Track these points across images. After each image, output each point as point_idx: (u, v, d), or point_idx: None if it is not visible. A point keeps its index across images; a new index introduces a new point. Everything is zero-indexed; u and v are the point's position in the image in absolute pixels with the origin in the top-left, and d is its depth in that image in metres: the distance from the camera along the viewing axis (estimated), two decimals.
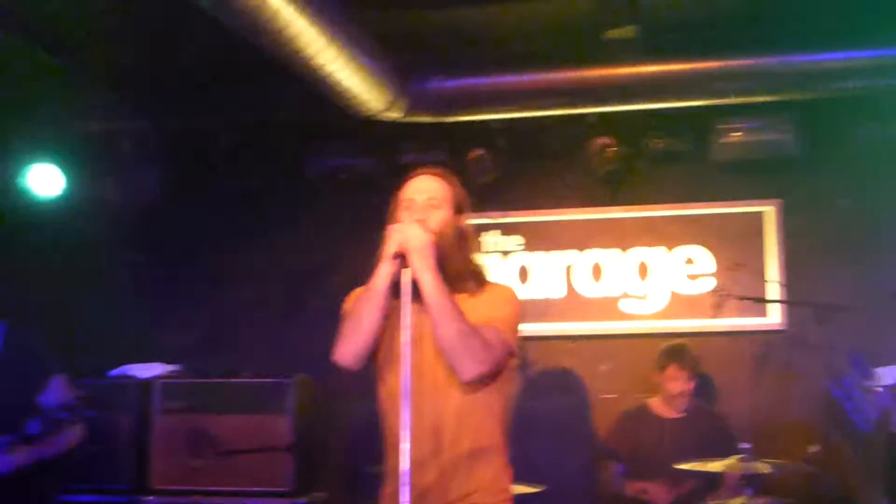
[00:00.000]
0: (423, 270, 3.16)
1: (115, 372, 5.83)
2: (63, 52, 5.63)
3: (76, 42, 5.58)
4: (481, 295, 3.37)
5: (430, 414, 3.25)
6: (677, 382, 5.57)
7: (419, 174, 3.44)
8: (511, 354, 3.32)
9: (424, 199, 3.35)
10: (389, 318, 3.30)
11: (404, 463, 2.97)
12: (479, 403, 3.32)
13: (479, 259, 3.49)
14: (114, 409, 5.68)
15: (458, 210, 3.40)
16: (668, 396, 5.61)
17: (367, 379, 3.45)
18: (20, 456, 4.01)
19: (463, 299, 3.28)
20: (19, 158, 6.26)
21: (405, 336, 3.05)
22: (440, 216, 3.32)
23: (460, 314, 3.18)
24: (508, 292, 3.51)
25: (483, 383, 3.27)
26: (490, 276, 3.50)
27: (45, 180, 6.24)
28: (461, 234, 3.37)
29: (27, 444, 4.03)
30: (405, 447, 2.98)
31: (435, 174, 3.44)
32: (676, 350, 5.64)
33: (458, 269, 3.33)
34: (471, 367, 3.19)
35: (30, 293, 5.74)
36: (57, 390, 4.24)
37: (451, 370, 3.20)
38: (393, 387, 3.21)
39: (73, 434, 4.22)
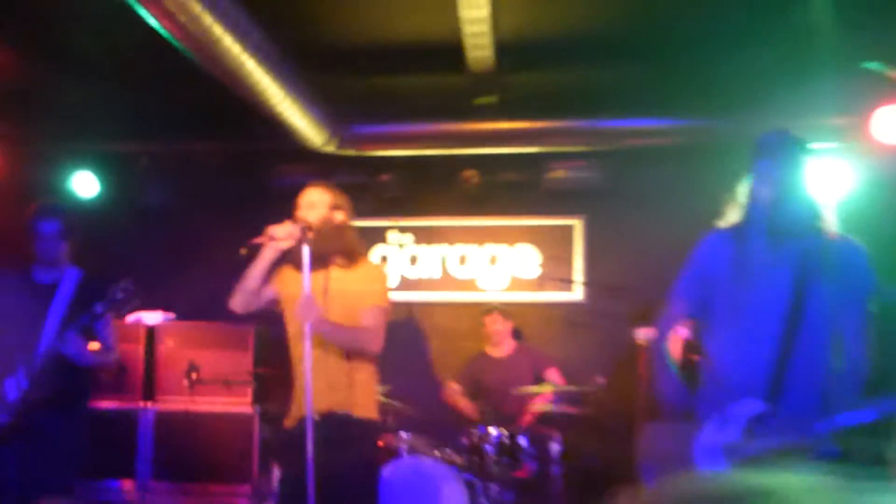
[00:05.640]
0: (321, 325, 3.27)
1: (130, 317, 5.67)
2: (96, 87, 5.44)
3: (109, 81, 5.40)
4: (355, 269, 3.44)
5: (329, 353, 3.36)
6: (494, 325, 5.74)
7: (310, 187, 3.48)
8: (387, 316, 3.45)
9: (309, 202, 3.42)
10: (290, 274, 3.39)
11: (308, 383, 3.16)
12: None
13: (355, 242, 3.50)
14: (129, 343, 5.54)
15: (335, 208, 3.44)
16: (492, 337, 5.74)
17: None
18: (93, 355, 3.72)
19: (337, 272, 3.38)
20: (66, 168, 6.13)
21: (307, 297, 3.19)
22: (319, 214, 3.37)
23: (351, 332, 3.35)
24: (379, 270, 3.66)
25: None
26: (368, 255, 3.60)
27: (84, 185, 6.14)
28: (337, 225, 3.41)
29: (88, 333, 3.66)
30: (307, 371, 3.16)
31: (319, 186, 3.48)
32: (490, 306, 5.85)
33: (334, 249, 3.39)
34: (374, 348, 3.37)
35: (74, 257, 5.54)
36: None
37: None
38: (295, 332, 3.34)
39: (116, 350, 3.94)
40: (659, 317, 2.97)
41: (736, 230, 2.82)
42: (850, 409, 2.59)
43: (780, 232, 2.70)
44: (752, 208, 2.74)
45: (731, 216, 2.86)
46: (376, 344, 3.36)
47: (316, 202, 3.38)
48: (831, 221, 2.75)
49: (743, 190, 2.80)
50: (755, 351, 2.72)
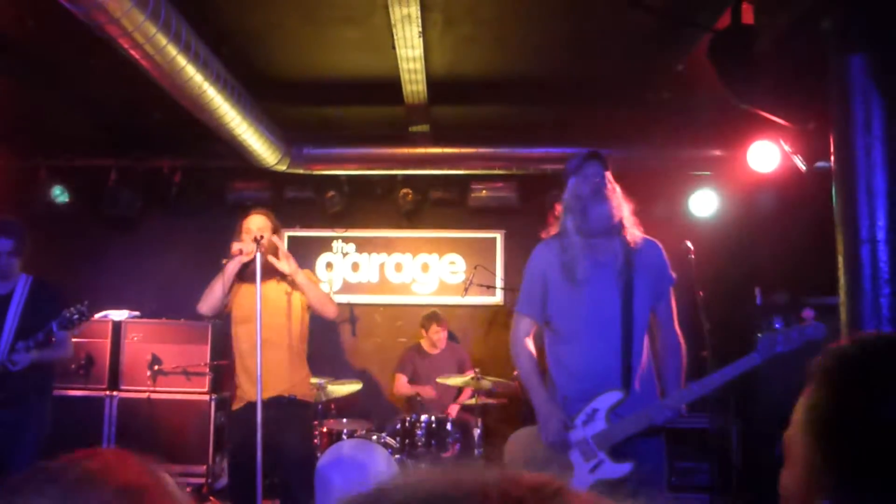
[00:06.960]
0: (297, 272, 3.65)
1: (99, 315, 5.68)
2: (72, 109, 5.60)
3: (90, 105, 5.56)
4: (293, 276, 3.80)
5: (276, 343, 3.65)
6: (437, 334, 5.92)
7: (253, 213, 3.77)
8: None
9: (257, 227, 3.73)
10: (241, 285, 3.69)
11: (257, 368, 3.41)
12: (303, 337, 3.82)
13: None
14: (98, 338, 5.67)
15: (275, 231, 3.77)
16: (432, 341, 5.98)
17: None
18: (37, 355, 3.68)
19: (280, 280, 3.70)
20: (47, 181, 6.18)
21: (258, 298, 3.47)
22: (268, 235, 3.68)
23: (320, 290, 3.75)
24: (313, 274, 3.98)
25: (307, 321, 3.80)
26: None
27: (60, 196, 6.20)
28: (276, 246, 3.76)
29: (41, 346, 3.63)
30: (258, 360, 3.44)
31: (262, 213, 3.79)
32: (433, 315, 5.98)
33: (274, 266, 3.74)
34: (334, 309, 3.78)
35: (50, 261, 5.47)
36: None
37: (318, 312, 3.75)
38: (247, 333, 3.61)
39: (69, 347, 3.99)
40: (512, 336, 2.96)
41: (557, 238, 2.96)
42: (683, 388, 2.76)
43: (591, 234, 2.87)
44: (567, 219, 2.91)
45: (552, 230, 3.05)
46: (334, 307, 3.82)
47: (262, 227, 3.71)
48: (631, 223, 2.92)
49: (559, 206, 3.00)
50: (605, 347, 2.80)
